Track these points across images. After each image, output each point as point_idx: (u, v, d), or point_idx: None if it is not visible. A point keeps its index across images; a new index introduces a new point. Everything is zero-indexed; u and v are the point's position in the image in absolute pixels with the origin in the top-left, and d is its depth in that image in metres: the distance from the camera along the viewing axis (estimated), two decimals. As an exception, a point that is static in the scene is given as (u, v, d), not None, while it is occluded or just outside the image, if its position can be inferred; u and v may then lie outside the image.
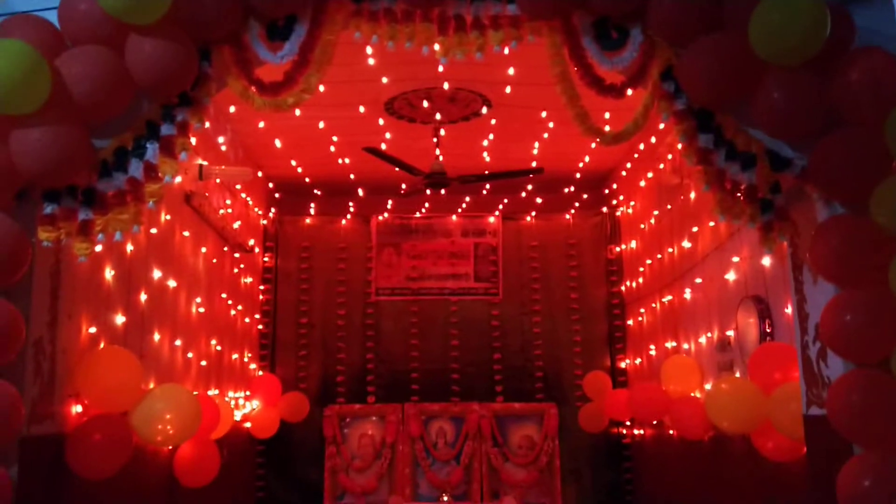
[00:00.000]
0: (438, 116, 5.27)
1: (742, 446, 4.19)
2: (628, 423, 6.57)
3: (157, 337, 4.25)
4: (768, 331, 3.82)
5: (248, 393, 6.15)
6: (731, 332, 4.36)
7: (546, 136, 5.66)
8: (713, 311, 4.67)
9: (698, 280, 4.84)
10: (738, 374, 4.29)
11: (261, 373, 6.59)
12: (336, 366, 6.85)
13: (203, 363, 4.96)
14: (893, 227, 2.71)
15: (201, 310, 4.96)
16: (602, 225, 7.05)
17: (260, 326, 6.73)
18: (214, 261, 5.29)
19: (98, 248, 3.45)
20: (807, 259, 3.07)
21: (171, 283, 4.49)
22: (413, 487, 6.51)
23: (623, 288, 6.86)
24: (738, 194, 3.00)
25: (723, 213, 3.04)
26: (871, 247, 2.73)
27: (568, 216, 7.08)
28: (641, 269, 6.26)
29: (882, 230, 2.72)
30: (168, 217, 4.47)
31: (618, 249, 6.96)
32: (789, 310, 3.65)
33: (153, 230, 4.22)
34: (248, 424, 6.09)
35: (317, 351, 6.88)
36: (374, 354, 6.88)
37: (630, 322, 6.69)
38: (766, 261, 3.88)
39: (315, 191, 6.94)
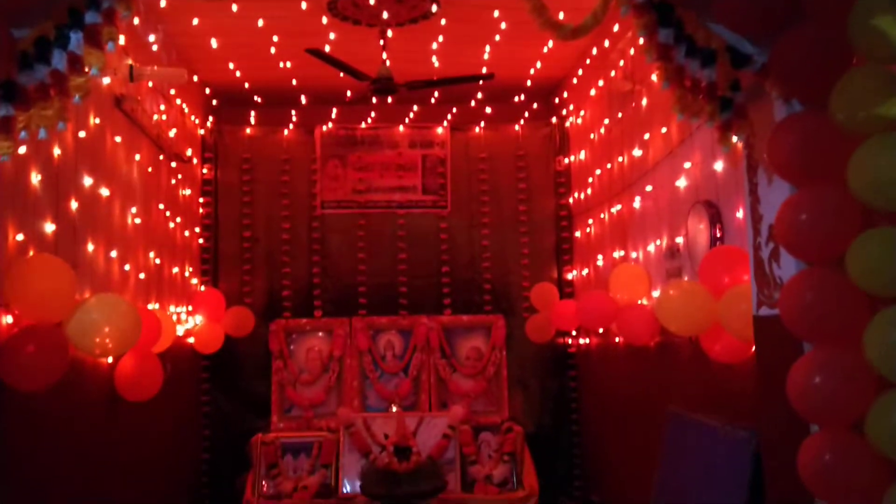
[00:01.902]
0: (385, 16, 5.02)
1: (689, 350, 4.25)
2: (574, 333, 6.66)
3: (90, 247, 4.05)
4: (718, 235, 3.81)
5: (190, 308, 6.00)
6: (680, 239, 4.36)
7: (497, 38, 5.47)
8: (663, 219, 4.66)
9: (648, 188, 4.81)
10: (686, 280, 4.31)
11: (203, 288, 6.42)
12: (281, 280, 6.71)
13: (142, 276, 4.78)
14: (852, 124, 2.67)
15: (137, 221, 4.74)
16: (551, 136, 6.95)
17: (201, 241, 6.53)
18: (150, 170, 5.04)
19: (22, 149, 3.22)
20: (763, 159, 3.04)
21: (104, 192, 4.26)
22: (362, 399, 6.52)
23: (571, 200, 6.84)
24: (698, 93, 2.92)
25: (682, 112, 2.97)
26: (830, 144, 2.69)
27: (517, 127, 6.95)
28: (590, 179, 6.22)
29: (841, 127, 2.68)
30: (97, 121, 4.21)
31: (567, 161, 6.90)
32: (741, 214, 3.65)
33: (81, 134, 3.96)
34: (191, 340, 5.97)
35: (261, 265, 6.73)
36: (321, 268, 6.76)
37: (578, 234, 6.69)
38: (719, 165, 3.85)
39: (255, 98, 6.64)
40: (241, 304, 6.43)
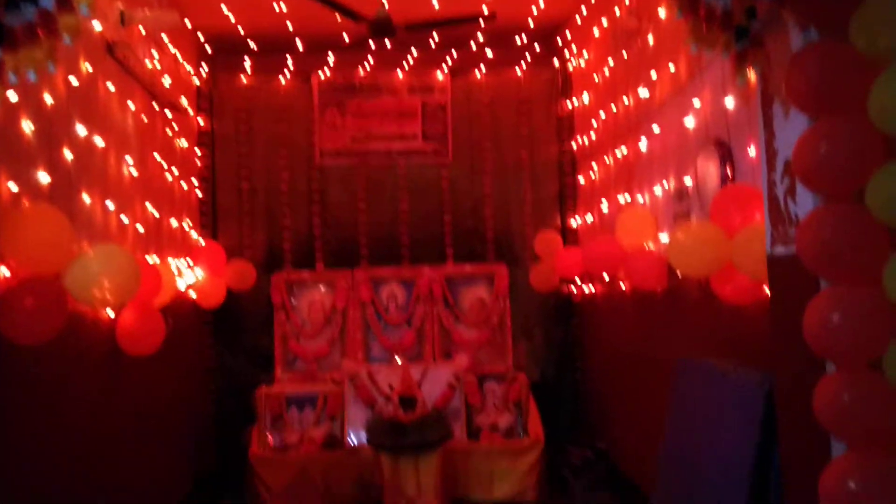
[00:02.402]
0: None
1: (697, 294, 4.19)
2: (578, 281, 6.60)
3: (86, 198, 3.95)
4: (729, 175, 3.71)
5: (190, 262, 5.92)
6: (689, 180, 4.26)
7: (498, -24, 5.31)
8: (670, 160, 4.55)
9: (655, 128, 4.69)
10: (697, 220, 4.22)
11: (202, 241, 6.33)
12: (282, 232, 6.63)
13: (140, 228, 4.69)
14: (873, 51, 2.56)
15: (134, 171, 4.64)
16: (553, 80, 6.80)
17: (199, 193, 6.42)
18: (144, 119, 4.91)
19: (13, 96, 3.12)
20: (780, 91, 2.92)
21: (98, 141, 4.14)
22: (365, 351, 6.49)
23: (574, 145, 6.72)
24: (713, 22, 2.79)
25: (696, 43, 2.85)
26: (850, 73, 2.58)
27: (519, 71, 6.80)
28: (594, 123, 6.09)
29: (861, 56, 2.57)
30: (89, 68, 4.07)
31: (570, 105, 6.76)
32: (753, 151, 3.55)
33: (73, 81, 3.83)
34: (193, 294, 5.90)
35: (261, 218, 6.64)
36: (321, 220, 6.67)
37: (581, 180, 6.58)
38: (730, 102, 3.72)
39: (250, 43, 6.46)
40: (241, 257, 6.36)
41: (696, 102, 4.11)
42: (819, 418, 2.57)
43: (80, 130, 3.92)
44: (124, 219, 4.40)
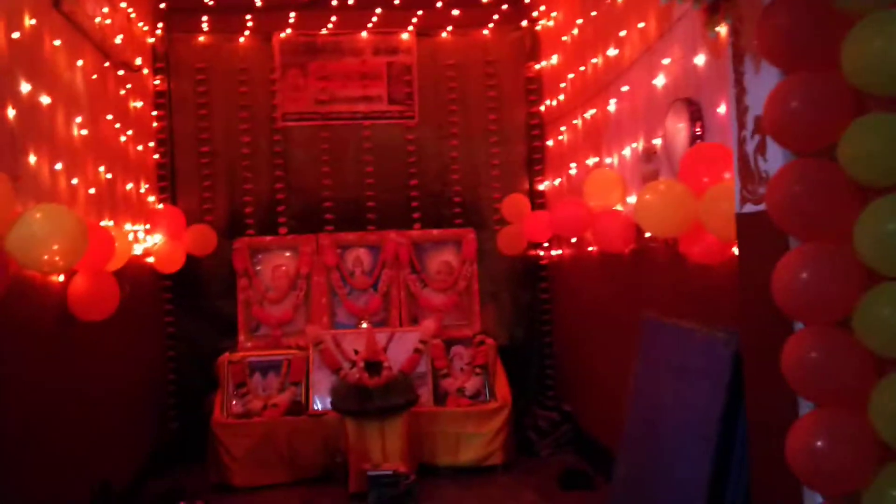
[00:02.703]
0: None
1: (665, 255, 4.15)
2: (546, 245, 6.54)
3: (32, 158, 3.77)
4: (699, 133, 3.65)
5: (147, 226, 5.74)
6: (657, 141, 4.20)
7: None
8: (639, 121, 4.48)
9: (624, 88, 4.61)
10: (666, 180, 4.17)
11: (161, 206, 6.15)
12: (243, 197, 6.47)
13: (91, 191, 4.51)
14: (846, 4, 2.48)
15: (84, 132, 4.44)
16: (521, 41, 6.67)
17: (156, 156, 6.22)
18: (95, 77, 4.70)
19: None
20: (751, 45, 2.85)
21: (44, 99, 3.95)
22: (331, 316, 6.39)
23: (543, 107, 6.61)
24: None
25: (666, -7, 2.75)
26: (822, 26, 2.51)
27: (486, 32, 6.65)
28: (563, 85, 5.99)
29: (834, 7, 2.49)
30: (33, 22, 3.87)
31: (538, 67, 6.64)
32: (723, 109, 3.48)
33: (15, 35, 3.63)
34: (150, 259, 5.74)
35: (221, 182, 6.46)
36: (284, 184, 6.51)
37: (550, 142, 6.50)
38: (700, 59, 3.65)
39: (207, 1, 6.22)
40: (201, 221, 6.19)
41: (666, 61, 4.03)
42: (786, 377, 2.53)
43: (24, 87, 3.73)
44: (74, 181, 4.22)
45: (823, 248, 2.51)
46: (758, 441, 2.95)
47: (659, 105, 4.15)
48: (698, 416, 3.28)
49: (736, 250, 3.31)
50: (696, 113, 3.68)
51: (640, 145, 4.48)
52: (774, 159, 2.81)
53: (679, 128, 3.85)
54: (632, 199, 4.60)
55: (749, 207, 2.99)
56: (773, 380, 2.65)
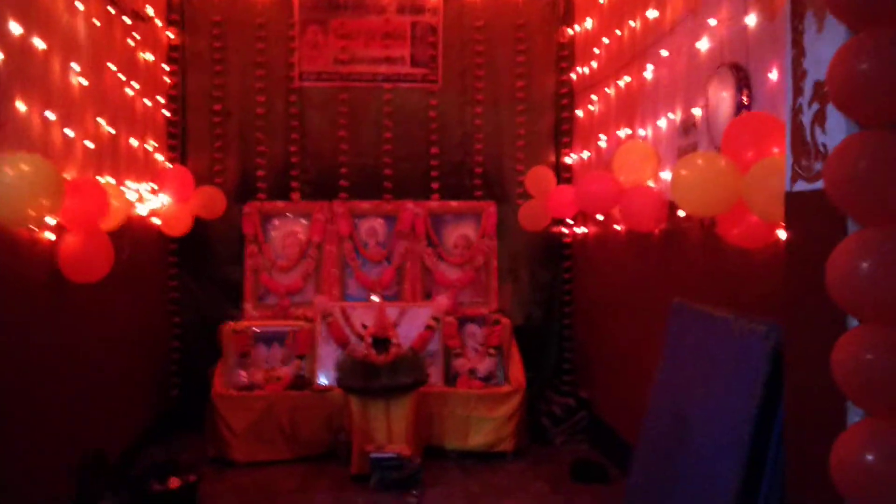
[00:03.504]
0: None
1: (699, 236, 3.81)
2: (571, 222, 6.21)
3: (21, 106, 3.50)
4: (746, 103, 3.30)
5: (154, 186, 5.49)
6: (698, 111, 3.84)
7: None
8: (678, 89, 4.12)
9: (664, 53, 4.24)
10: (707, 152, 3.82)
11: (169, 165, 5.89)
12: (256, 159, 6.18)
13: (89, 144, 4.24)
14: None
15: (83, 81, 4.17)
16: (555, 3, 6.28)
17: (167, 113, 5.95)
18: (97, 23, 4.41)
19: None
20: (814, -1, 2.49)
21: (38, 43, 3.67)
22: (341, 288, 6.12)
23: (574, 75, 6.24)
24: None
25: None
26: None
27: (517, -8, 6.28)
28: (597, 50, 5.62)
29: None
30: (26, -42, 3.58)
31: (571, 32, 6.26)
32: (775, 75, 3.13)
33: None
34: (156, 220, 5.49)
35: (234, 142, 6.17)
36: (299, 147, 6.22)
37: (579, 113, 6.13)
38: (751, 20, 3.29)
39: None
40: (211, 183, 5.92)
41: (712, 22, 3.66)
42: (836, 379, 2.21)
43: (14, 28, 3.45)
44: (70, 132, 3.95)
45: (890, 234, 2.17)
46: (796, 447, 2.63)
47: (701, 71, 3.79)
48: (730, 414, 2.97)
49: (782, 233, 2.98)
50: (743, 80, 3.32)
51: (677, 116, 4.13)
52: (835, 131, 2.46)
53: (723, 96, 3.50)
54: (666, 175, 4.26)
55: (801, 185, 2.64)
56: (819, 381, 2.34)
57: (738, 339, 3.03)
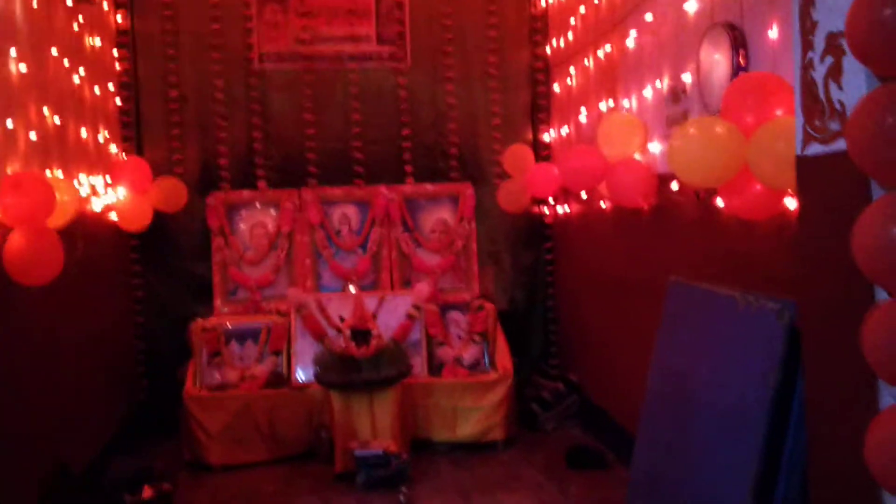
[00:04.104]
0: None
1: (694, 210, 3.60)
2: (552, 201, 5.98)
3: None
4: (742, 64, 3.07)
5: (109, 179, 5.16)
6: (687, 77, 3.61)
7: None
8: (664, 55, 3.90)
9: (648, 17, 4.00)
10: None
11: (125, 156, 5.55)
12: (217, 146, 5.84)
13: (33, 136, 3.91)
14: None
15: (22, 67, 3.82)
16: (525, -26, 6.03)
17: (119, 101, 5.60)
18: (35, 5, 4.05)
19: None
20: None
21: (-33, 25, 3.34)
22: (315, 279, 5.84)
23: (549, 49, 5.99)
24: None
25: None
26: None
27: (486, -36, 5.99)
28: (573, 20, 5.37)
29: None
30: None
31: (543, 3, 6.00)
32: (775, 32, 2.90)
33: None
34: (113, 216, 5.17)
35: (192, 130, 5.83)
36: (263, 132, 5.90)
37: (556, 87, 5.89)
38: (745, -26, 3.06)
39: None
40: (170, 174, 5.59)
41: (700, -21, 3.44)
42: (868, 358, 2.00)
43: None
44: (9, 123, 3.61)
45: (925, 197, 1.96)
46: (819, 433, 2.42)
47: (690, 34, 3.57)
48: (742, 399, 2.76)
49: (790, 202, 2.78)
50: (738, 39, 3.10)
51: (664, 84, 3.90)
52: (854, 86, 2.23)
53: (716, 59, 3.27)
54: (654, 147, 4.04)
55: (815, 148, 2.42)
56: (845, 360, 2.14)
57: (747, 318, 2.82)
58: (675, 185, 3.69)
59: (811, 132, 2.44)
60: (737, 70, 3.07)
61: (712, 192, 3.27)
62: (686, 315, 3.29)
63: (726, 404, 2.85)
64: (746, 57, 3.08)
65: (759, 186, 2.80)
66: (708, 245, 3.50)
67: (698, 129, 2.75)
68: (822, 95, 2.39)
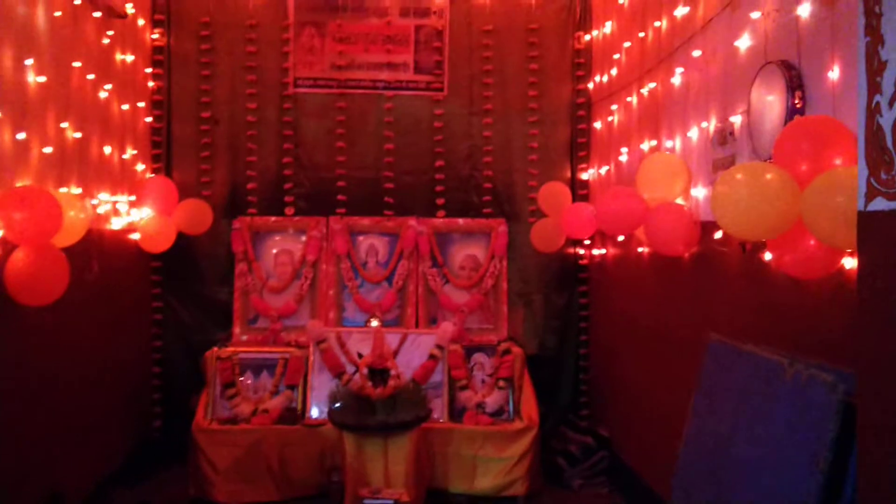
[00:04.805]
0: None
1: (738, 263, 3.31)
2: (588, 242, 5.71)
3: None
4: (798, 105, 2.80)
5: (133, 198, 5.04)
6: (737, 119, 3.34)
7: None
8: (712, 95, 3.63)
9: (696, 53, 3.75)
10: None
11: (151, 174, 5.44)
12: (247, 170, 5.72)
13: (47, 150, 3.78)
14: None
15: (40, 79, 3.71)
16: (571, 6, 5.82)
17: (150, 119, 5.51)
18: (58, 14, 3.95)
19: None
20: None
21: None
22: (338, 311, 5.64)
23: (591, 85, 5.77)
24: None
25: None
26: None
27: (530, -5, 5.82)
28: (617, 56, 5.14)
29: None
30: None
31: (588, 37, 5.79)
32: (835, 72, 2.63)
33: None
34: (135, 236, 5.04)
35: (223, 152, 5.72)
36: (294, 158, 5.76)
37: (597, 124, 5.65)
38: (804, 9, 2.80)
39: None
40: (197, 196, 5.46)
41: (755, 15, 3.18)
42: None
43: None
44: (20, 135, 3.49)
45: None
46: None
47: (741, 72, 3.30)
48: (789, 480, 2.44)
49: (849, 262, 2.48)
50: (795, 79, 2.82)
51: (711, 125, 3.63)
52: (929, 134, 1.97)
53: (769, 101, 3.00)
54: (697, 192, 3.76)
55: (880, 204, 2.13)
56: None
57: (796, 389, 2.51)
58: (719, 234, 3.41)
59: (876, 185, 2.16)
60: (791, 113, 2.80)
61: (761, 245, 2.99)
62: (726, 378, 2.99)
63: (770, 485, 2.54)
64: (803, 99, 2.80)
65: (813, 242, 2.51)
66: (753, 302, 3.20)
67: (748, 175, 2.47)
68: (889, 144, 2.11)
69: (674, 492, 3.23)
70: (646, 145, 4.52)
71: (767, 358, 2.72)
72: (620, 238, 4.87)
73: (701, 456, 3.04)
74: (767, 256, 3.00)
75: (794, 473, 2.40)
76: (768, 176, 2.42)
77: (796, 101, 2.81)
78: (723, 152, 3.49)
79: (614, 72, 5.22)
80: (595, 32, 5.70)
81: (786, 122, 2.82)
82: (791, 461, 2.43)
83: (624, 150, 4.92)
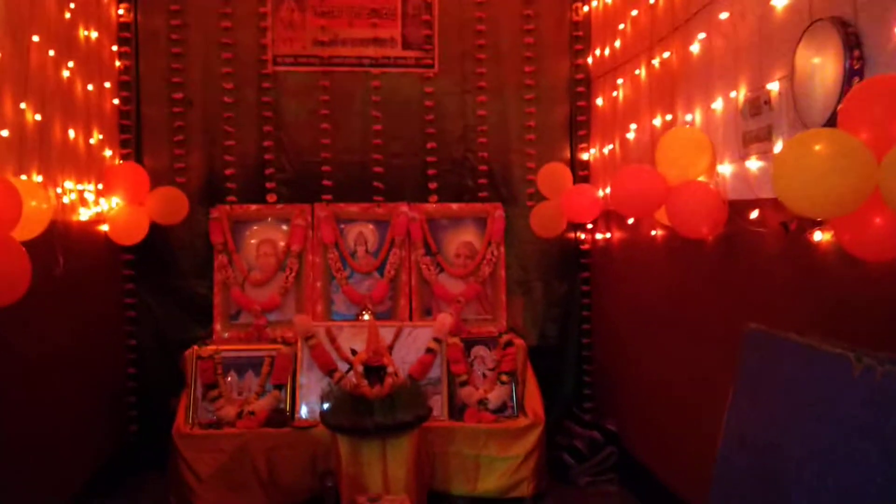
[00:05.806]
0: None
1: (776, 244, 3.02)
2: (590, 226, 5.41)
3: None
4: (856, 67, 2.50)
5: (100, 186, 4.64)
6: (774, 85, 3.04)
7: None
8: (742, 60, 3.32)
9: (723, 16, 3.43)
10: (779, 146, 3.03)
11: (119, 161, 5.04)
12: (224, 155, 5.32)
13: (4, 133, 3.38)
14: None
15: (-7, 54, 3.31)
16: (568, -25, 5.50)
17: (117, 102, 5.09)
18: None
19: None
20: None
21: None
22: (326, 304, 5.29)
23: (591, 59, 5.45)
24: None
25: None
26: None
27: (524, -36, 5.47)
28: (621, 26, 4.81)
29: None
30: None
31: (586, 8, 5.47)
32: (905, 28, 2.33)
33: None
34: (104, 227, 4.64)
35: (198, 136, 5.31)
36: (274, 141, 5.37)
37: (599, 101, 5.33)
38: (862, -42, 2.49)
39: None
40: (171, 183, 5.06)
41: (797, -33, 2.87)
42: None
43: None
44: (-28, 116, 3.10)
45: None
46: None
47: (780, 34, 3.00)
48: (858, 489, 2.16)
49: (930, 241, 2.19)
50: (852, 38, 2.52)
51: (740, 94, 3.33)
52: None
53: (815, 63, 2.70)
54: (724, 168, 3.46)
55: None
56: None
57: (867, 385, 2.22)
58: (754, 214, 3.11)
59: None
60: (850, 74, 2.49)
61: (809, 224, 2.69)
62: (774, 373, 2.69)
63: (835, 494, 2.25)
64: (861, 59, 2.50)
65: (881, 220, 2.21)
66: (797, 287, 2.91)
67: (825, 143, 2.15)
68: None
69: (712, 496, 2.94)
70: (658, 121, 4.21)
71: (828, 351, 2.42)
72: (630, 221, 4.57)
73: (746, 458, 2.75)
74: (817, 237, 2.71)
75: (866, 483, 2.11)
76: (843, 146, 2.10)
77: (853, 63, 2.51)
78: (756, 123, 3.19)
79: (618, 44, 4.90)
80: (594, 3, 5.38)
81: (843, 87, 2.52)
82: (861, 467, 2.15)
83: (633, 126, 4.61)
